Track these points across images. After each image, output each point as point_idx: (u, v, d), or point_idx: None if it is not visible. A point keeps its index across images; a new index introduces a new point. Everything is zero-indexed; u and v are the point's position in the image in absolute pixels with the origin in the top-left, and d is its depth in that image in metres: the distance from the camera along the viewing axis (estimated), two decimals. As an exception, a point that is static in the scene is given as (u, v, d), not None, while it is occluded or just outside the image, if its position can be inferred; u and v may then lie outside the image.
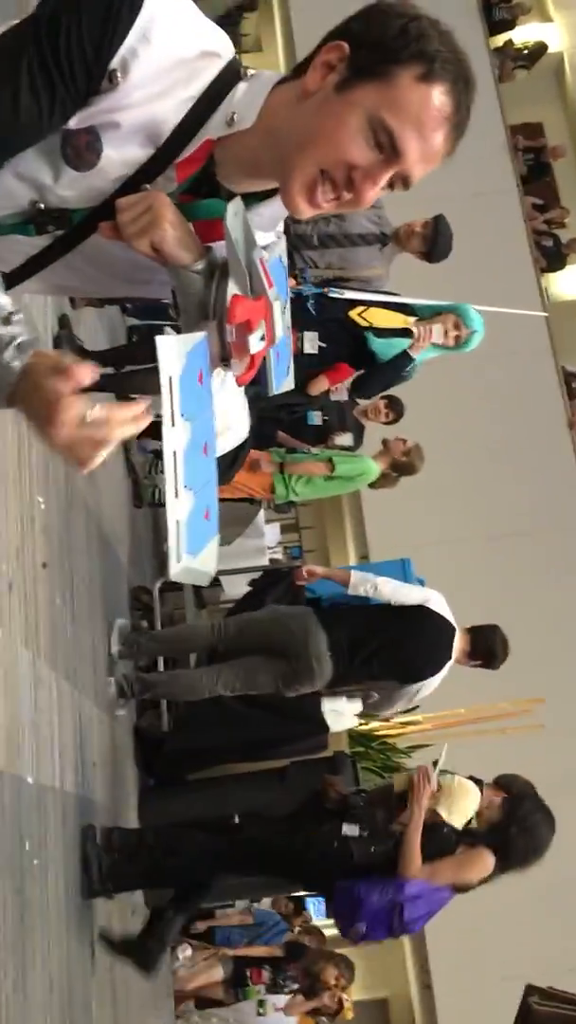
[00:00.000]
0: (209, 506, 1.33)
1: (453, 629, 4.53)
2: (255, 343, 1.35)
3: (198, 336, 1.30)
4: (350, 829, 4.10)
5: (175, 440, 1.25)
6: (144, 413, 1.15)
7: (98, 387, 1.22)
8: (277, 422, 5.60)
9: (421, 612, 4.49)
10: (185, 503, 1.27)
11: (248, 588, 5.88)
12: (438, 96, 1.25)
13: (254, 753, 5.29)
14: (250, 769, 5.34)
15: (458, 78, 1.26)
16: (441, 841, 4.08)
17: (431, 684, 4.59)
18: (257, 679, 4.54)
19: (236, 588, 6.33)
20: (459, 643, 4.55)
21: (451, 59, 1.26)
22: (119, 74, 1.23)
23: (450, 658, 4.53)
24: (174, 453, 1.25)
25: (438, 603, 4.55)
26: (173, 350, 1.24)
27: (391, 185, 1.30)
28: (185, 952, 6.23)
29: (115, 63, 1.23)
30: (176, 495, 1.26)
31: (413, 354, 5.01)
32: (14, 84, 1.21)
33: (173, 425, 1.24)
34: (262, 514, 6.75)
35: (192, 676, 4.78)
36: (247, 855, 4.17)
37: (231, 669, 4.59)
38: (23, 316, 1.21)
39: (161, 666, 5.35)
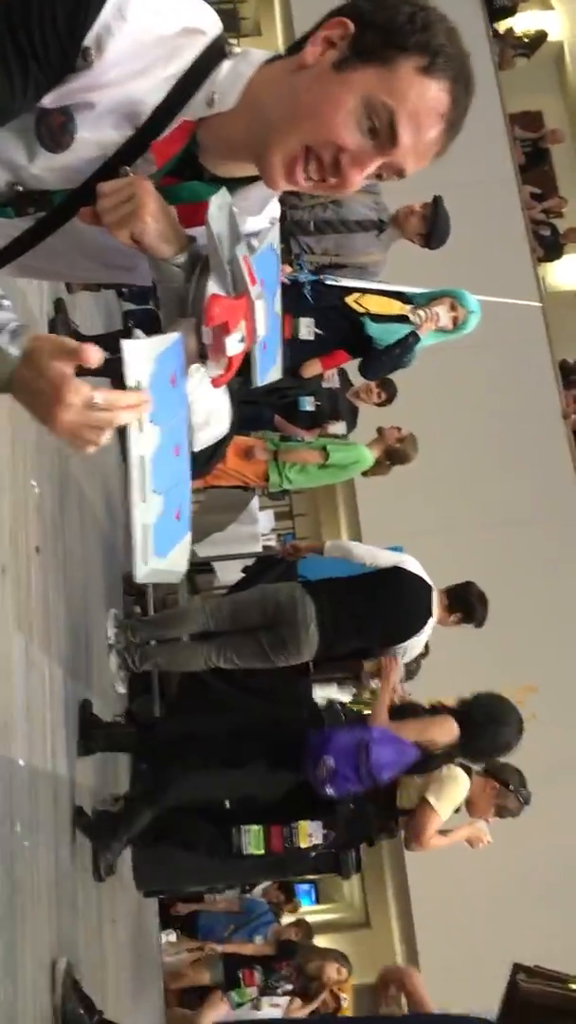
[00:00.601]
0: (180, 506, 1.30)
1: (429, 588, 4.61)
2: (232, 345, 1.30)
3: (171, 337, 1.25)
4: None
5: (142, 445, 1.21)
6: (146, 401, 1.16)
7: (96, 371, 1.22)
8: (271, 407, 5.60)
9: (397, 574, 4.58)
10: (154, 507, 1.24)
11: (241, 575, 5.90)
12: (437, 91, 1.23)
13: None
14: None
15: (459, 77, 1.24)
16: (411, 711, 4.45)
17: (416, 645, 4.65)
18: (248, 649, 4.57)
19: (229, 574, 6.34)
20: (437, 602, 4.63)
21: (454, 56, 1.24)
22: (93, 52, 1.19)
23: (430, 615, 4.60)
24: (141, 458, 1.22)
25: (412, 565, 4.63)
26: (141, 354, 1.20)
27: (379, 176, 1.27)
28: (169, 936, 6.19)
29: (89, 41, 1.18)
30: (143, 499, 1.23)
31: (421, 334, 5.01)
32: None
33: (141, 431, 1.20)
34: (256, 501, 6.76)
35: (191, 647, 4.84)
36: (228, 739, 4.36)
37: (226, 640, 4.63)
38: (9, 302, 1.19)
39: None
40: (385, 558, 4.65)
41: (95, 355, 1.12)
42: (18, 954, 2.90)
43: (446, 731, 4.30)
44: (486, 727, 4.31)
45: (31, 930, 3.07)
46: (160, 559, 1.27)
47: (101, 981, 3.97)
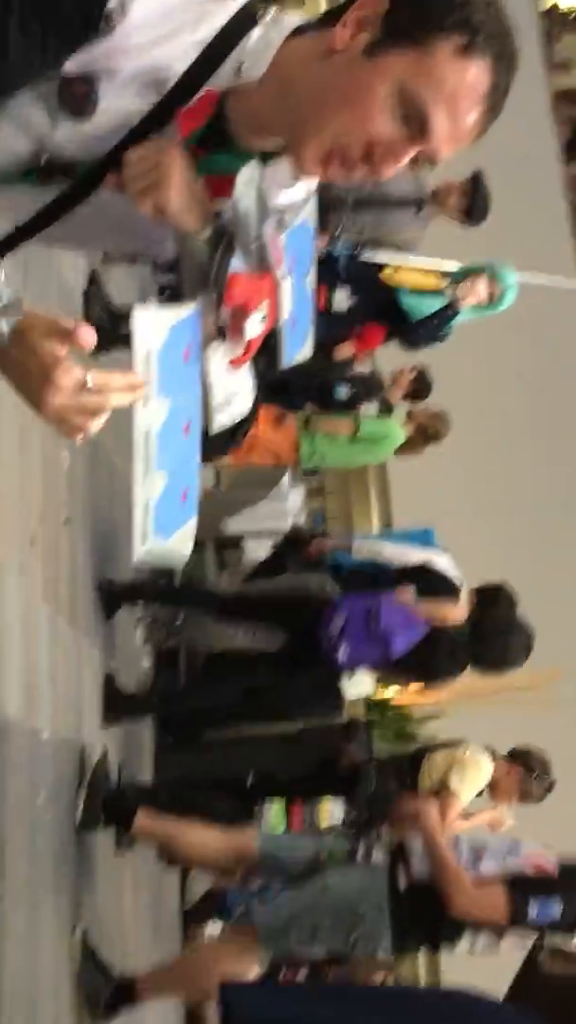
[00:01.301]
0: (188, 487, 1.26)
1: (452, 586, 4.56)
2: (253, 326, 1.26)
3: (187, 309, 1.21)
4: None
5: (148, 419, 1.17)
6: (142, 385, 1.11)
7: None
8: (303, 390, 5.57)
9: (421, 572, 4.57)
10: (156, 484, 1.20)
11: (271, 550, 5.88)
12: (476, 73, 1.15)
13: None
14: (265, 732, 5.36)
15: (501, 55, 1.17)
16: None
17: None
18: (274, 634, 4.57)
19: (258, 551, 6.32)
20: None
21: (495, 33, 1.16)
22: (116, 16, 1.14)
23: None
24: (146, 433, 1.18)
25: (443, 563, 4.61)
26: (153, 323, 1.16)
27: (414, 161, 1.21)
28: (215, 926, 5.60)
29: (112, 4, 1.13)
30: (145, 476, 1.19)
31: (459, 307, 4.95)
32: (3, 23, 1.12)
33: (145, 404, 1.17)
34: (287, 478, 6.73)
35: (218, 626, 4.84)
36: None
37: (255, 624, 4.63)
38: (3, 274, 1.17)
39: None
40: (414, 557, 4.63)
41: (89, 336, 1.06)
42: (39, 923, 2.93)
43: (454, 614, 4.35)
44: (496, 637, 4.34)
45: (51, 899, 3.09)
46: (161, 540, 1.23)
47: (120, 950, 4.00)
